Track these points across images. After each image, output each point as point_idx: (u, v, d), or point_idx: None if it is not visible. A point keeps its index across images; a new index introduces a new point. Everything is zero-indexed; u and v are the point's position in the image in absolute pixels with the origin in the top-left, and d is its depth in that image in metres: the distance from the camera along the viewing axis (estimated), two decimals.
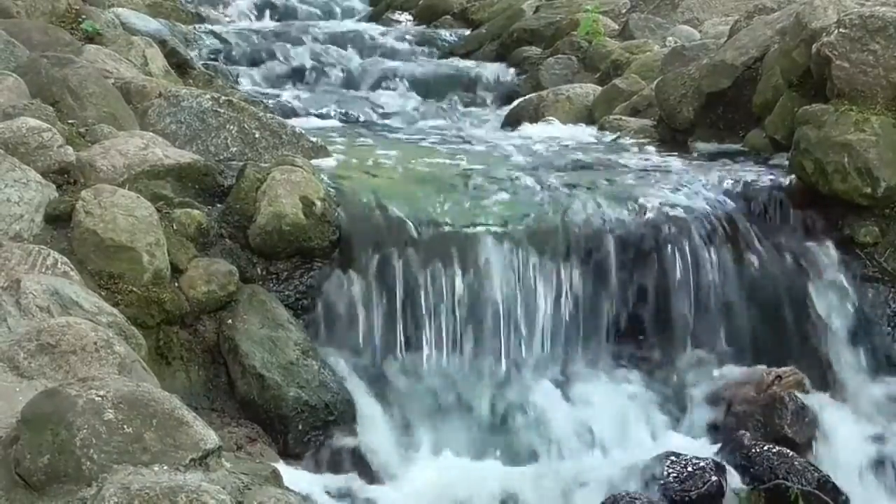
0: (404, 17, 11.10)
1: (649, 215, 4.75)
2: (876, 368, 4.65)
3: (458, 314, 4.47)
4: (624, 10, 9.33)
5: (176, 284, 4.21)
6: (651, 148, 5.90)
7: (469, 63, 8.97)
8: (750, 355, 4.64)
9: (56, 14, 6.86)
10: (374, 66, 8.69)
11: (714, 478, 3.94)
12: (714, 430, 4.40)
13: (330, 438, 4.08)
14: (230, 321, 4.20)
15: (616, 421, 4.39)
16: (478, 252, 4.53)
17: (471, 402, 4.35)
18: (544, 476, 4.04)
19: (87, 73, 5.27)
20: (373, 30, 10.04)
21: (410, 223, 4.57)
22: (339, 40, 9.27)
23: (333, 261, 4.48)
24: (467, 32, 10.03)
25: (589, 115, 6.94)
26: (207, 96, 5.45)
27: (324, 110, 7.57)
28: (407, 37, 9.78)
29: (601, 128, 6.50)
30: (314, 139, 5.46)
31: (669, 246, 4.68)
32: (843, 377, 4.61)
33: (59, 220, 4.17)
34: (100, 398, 2.77)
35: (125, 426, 2.74)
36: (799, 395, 4.41)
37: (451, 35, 9.96)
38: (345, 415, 4.13)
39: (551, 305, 4.56)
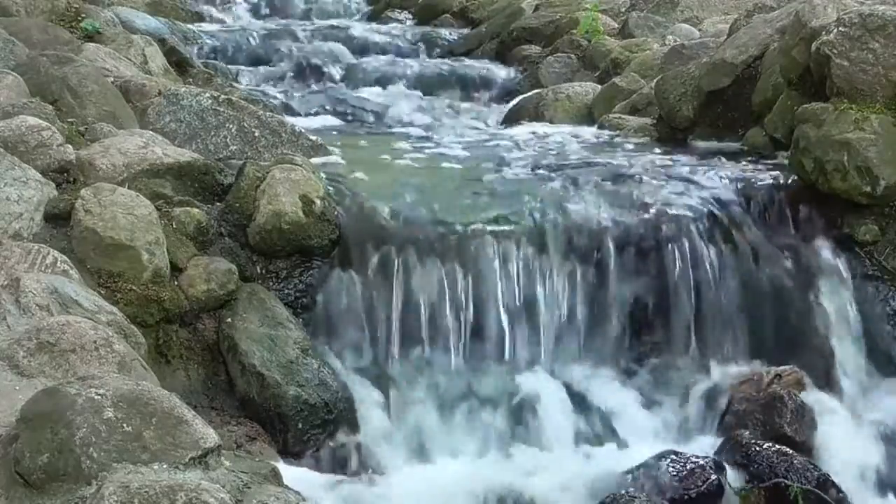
0: (404, 16, 11.11)
1: (649, 214, 4.75)
2: (875, 367, 4.65)
3: (457, 313, 4.47)
4: (623, 9, 9.33)
5: (175, 283, 4.21)
6: (650, 146, 5.90)
7: (468, 62, 8.97)
8: (749, 354, 4.64)
9: (56, 12, 6.87)
10: (374, 65, 8.70)
11: (714, 476, 3.94)
12: (714, 428, 4.41)
13: (330, 437, 4.08)
14: (230, 320, 4.20)
15: (616, 419, 4.40)
16: (477, 250, 4.53)
17: (470, 401, 4.35)
18: (544, 474, 4.04)
19: (86, 71, 5.27)
20: (372, 28, 10.05)
21: (410, 222, 4.57)
22: (338, 39, 9.28)
23: (333, 259, 4.47)
24: (467, 31, 10.04)
25: (588, 114, 6.94)
26: (207, 95, 5.45)
27: (323, 109, 7.57)
28: (406, 35, 9.78)
29: (601, 126, 6.50)
30: (313, 138, 5.46)
31: (669, 245, 4.68)
32: (843, 375, 4.62)
33: (58, 219, 4.16)
34: (99, 397, 2.77)
35: (125, 425, 2.74)
36: (798, 393, 4.41)
37: (450, 34, 9.97)
38: (344, 413, 4.12)
39: (551, 304, 4.56)
